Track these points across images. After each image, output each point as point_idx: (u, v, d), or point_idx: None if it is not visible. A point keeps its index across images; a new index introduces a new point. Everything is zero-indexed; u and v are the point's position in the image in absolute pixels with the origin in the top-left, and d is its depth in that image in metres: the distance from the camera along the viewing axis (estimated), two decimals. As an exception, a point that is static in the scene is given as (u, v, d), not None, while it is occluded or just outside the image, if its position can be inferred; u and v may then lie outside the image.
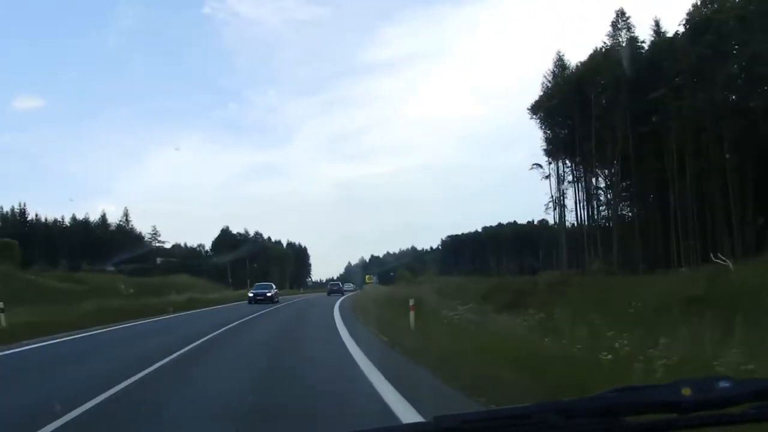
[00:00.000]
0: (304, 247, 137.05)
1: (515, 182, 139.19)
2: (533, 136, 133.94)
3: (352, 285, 74.76)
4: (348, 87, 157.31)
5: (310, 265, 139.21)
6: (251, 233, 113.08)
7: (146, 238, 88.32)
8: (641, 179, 48.08)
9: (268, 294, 34.05)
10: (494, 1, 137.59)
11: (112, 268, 78.33)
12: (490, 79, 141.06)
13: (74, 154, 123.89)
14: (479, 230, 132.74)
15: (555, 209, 59.62)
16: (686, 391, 1.30)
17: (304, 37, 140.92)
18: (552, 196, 58.13)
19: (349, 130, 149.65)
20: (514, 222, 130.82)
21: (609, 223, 53.36)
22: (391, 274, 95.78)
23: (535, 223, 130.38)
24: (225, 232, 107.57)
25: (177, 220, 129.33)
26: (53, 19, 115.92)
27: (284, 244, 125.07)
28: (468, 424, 1.20)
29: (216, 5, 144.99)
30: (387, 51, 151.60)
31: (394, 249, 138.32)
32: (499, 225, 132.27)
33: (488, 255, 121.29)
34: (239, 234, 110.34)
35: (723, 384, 1.31)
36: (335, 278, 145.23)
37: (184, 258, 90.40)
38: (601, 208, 56.22)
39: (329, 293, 54.85)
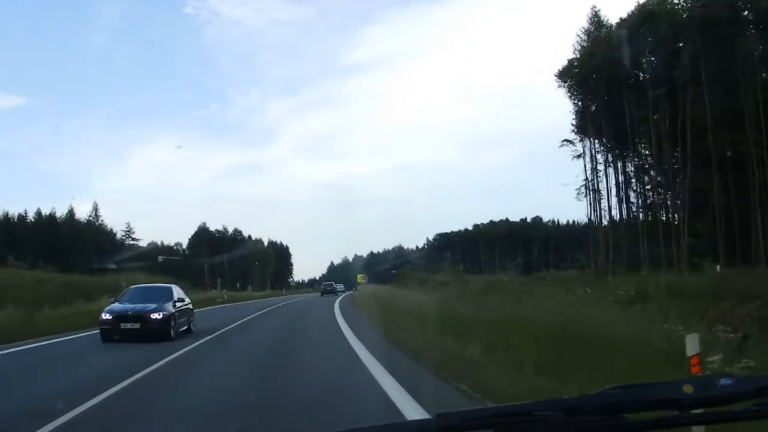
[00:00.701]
0: (286, 246, 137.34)
1: (501, 182, 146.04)
2: (517, 137, 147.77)
3: (342, 285, 74.26)
4: (329, 87, 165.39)
5: (291, 264, 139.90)
6: (230, 230, 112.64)
7: (119, 236, 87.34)
8: (704, 157, 41.44)
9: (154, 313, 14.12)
10: (475, 1, 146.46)
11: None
12: (471, 79, 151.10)
13: (54, 153, 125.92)
14: (469, 228, 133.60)
15: (587, 195, 52.88)
16: (688, 389, 1.36)
17: (285, 37, 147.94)
18: (586, 179, 51.50)
19: (331, 129, 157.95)
20: (506, 219, 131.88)
21: (655, 212, 47.10)
22: (393, 271, 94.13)
23: (528, 220, 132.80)
24: (202, 230, 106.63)
25: (157, 219, 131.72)
26: (34, 16, 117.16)
27: (265, 243, 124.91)
28: (469, 421, 1.26)
29: (198, 4, 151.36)
30: (368, 51, 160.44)
31: (378, 248, 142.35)
32: (491, 222, 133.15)
33: (480, 253, 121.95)
34: (217, 231, 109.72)
35: (724, 381, 1.37)
36: (318, 278, 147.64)
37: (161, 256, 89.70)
38: (646, 192, 49.61)
39: (323, 294, 57.82)
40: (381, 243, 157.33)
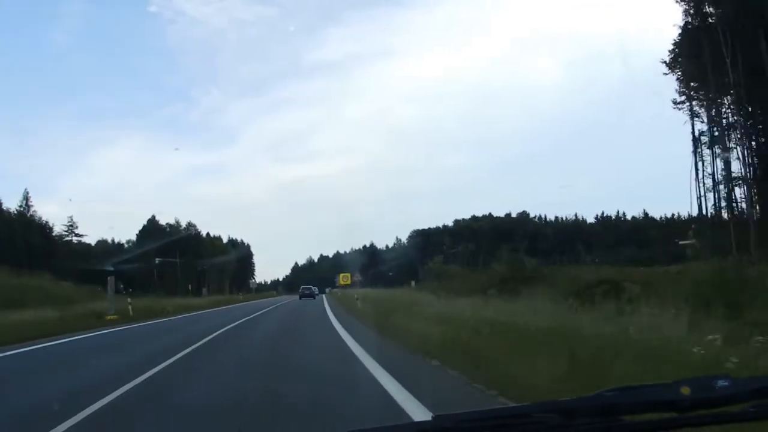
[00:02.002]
0: (248, 244, 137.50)
1: (462, 183, 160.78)
2: (481, 137, 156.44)
3: (315, 288, 74.90)
4: (293, 87, 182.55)
5: (253, 264, 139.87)
6: (183, 224, 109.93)
7: (57, 230, 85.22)
8: None
9: None
10: (436, 1, 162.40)
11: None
12: (435, 80, 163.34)
13: (12, 153, 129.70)
14: (450, 224, 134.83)
15: (703, 178, 39.40)
16: (685, 390, 1.49)
17: (249, 37, 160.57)
18: (699, 152, 38.98)
19: (294, 130, 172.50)
20: (490, 215, 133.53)
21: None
22: (390, 273, 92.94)
23: (513, 215, 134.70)
24: (152, 223, 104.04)
25: (118, 220, 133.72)
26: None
27: (224, 241, 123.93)
28: (467, 423, 1.37)
29: (162, 3, 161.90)
30: (332, 52, 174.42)
31: (345, 248, 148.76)
32: (474, 218, 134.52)
33: (454, 248, 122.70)
34: (168, 225, 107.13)
35: (722, 382, 1.51)
36: (281, 279, 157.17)
37: (108, 255, 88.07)
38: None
39: (301, 297, 61.98)
40: (348, 243, 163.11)
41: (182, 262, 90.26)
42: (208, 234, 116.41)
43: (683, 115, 41.03)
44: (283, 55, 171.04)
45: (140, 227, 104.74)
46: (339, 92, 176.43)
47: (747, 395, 1.53)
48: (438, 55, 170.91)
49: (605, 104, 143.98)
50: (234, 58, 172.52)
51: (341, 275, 54.23)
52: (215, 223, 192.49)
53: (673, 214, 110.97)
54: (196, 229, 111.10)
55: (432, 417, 1.36)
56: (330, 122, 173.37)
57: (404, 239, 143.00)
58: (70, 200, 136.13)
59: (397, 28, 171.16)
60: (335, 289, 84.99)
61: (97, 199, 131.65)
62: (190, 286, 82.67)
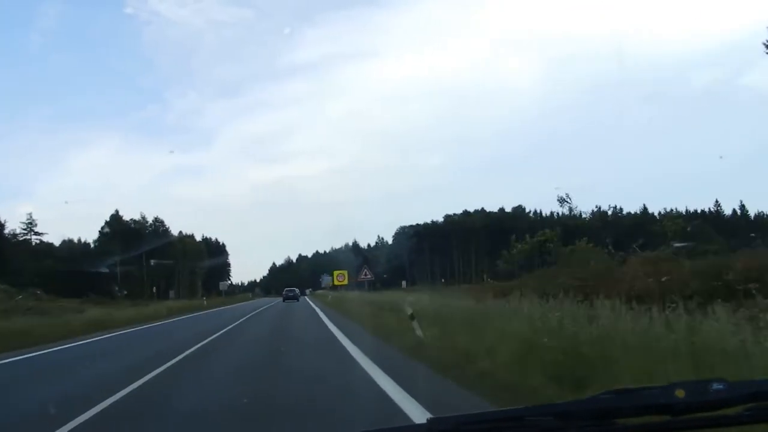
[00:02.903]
0: (223, 244, 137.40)
1: (439, 184, 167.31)
2: (456, 137, 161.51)
3: (296, 290, 76.68)
4: (269, 89, 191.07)
5: (229, 264, 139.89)
6: (149, 220, 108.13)
7: (10, 229, 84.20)
8: None
9: None
10: (414, 2, 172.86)
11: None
12: (410, 80, 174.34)
13: None
14: (439, 220, 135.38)
15: None
16: (680, 393, 1.61)
17: (225, 38, 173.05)
18: None
19: (270, 131, 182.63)
20: (482, 209, 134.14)
21: None
22: (385, 275, 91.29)
23: (507, 210, 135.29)
24: (115, 220, 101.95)
25: (95, 221, 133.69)
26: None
27: (199, 240, 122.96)
28: (462, 426, 1.48)
29: (138, 5, 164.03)
30: (308, 53, 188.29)
31: (325, 248, 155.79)
32: (465, 213, 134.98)
33: (452, 248, 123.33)
34: (134, 221, 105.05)
35: (717, 386, 1.63)
36: (258, 281, 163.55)
37: (74, 256, 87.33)
38: None
39: (285, 299, 65.24)
40: (327, 243, 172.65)
41: (152, 263, 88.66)
42: (180, 233, 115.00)
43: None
44: (260, 56, 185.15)
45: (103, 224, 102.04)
46: (317, 93, 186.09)
47: (742, 399, 1.65)
48: (416, 55, 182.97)
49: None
50: (210, 60, 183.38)
51: (336, 273, 45.41)
52: (192, 224, 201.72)
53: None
54: (164, 226, 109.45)
55: (427, 420, 1.46)
56: (308, 123, 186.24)
57: (388, 238, 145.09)
58: (66, 203, 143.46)
59: (375, 29, 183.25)
60: (320, 291, 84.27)
61: (73, 200, 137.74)
62: (155, 289, 79.96)
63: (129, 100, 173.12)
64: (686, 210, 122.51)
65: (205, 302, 58.27)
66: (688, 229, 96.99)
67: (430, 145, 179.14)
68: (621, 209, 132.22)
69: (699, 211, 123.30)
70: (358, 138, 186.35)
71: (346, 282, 44.70)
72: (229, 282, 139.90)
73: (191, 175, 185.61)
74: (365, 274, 41.43)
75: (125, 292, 72.41)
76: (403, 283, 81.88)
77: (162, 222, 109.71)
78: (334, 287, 49.60)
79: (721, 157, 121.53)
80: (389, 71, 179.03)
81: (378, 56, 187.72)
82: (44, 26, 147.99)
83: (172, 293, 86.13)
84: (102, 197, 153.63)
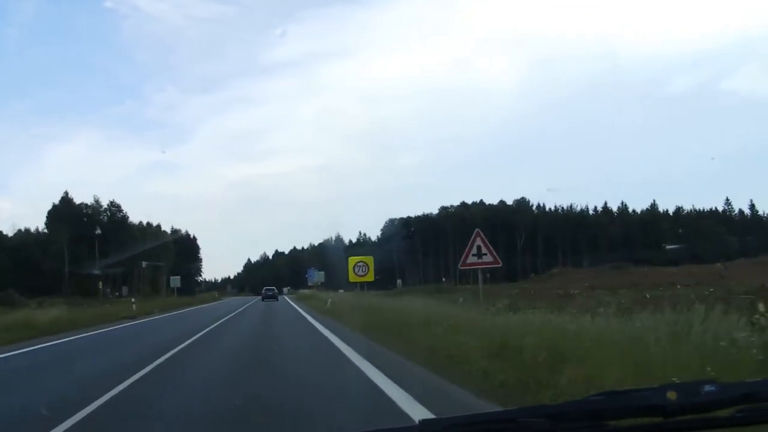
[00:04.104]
0: (194, 236, 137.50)
1: (420, 182, 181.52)
2: (433, 137, 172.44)
3: (273, 288, 78.52)
4: (248, 86, 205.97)
5: (200, 260, 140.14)
6: (104, 204, 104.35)
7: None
8: None
9: None
10: (392, 1, 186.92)
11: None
12: (391, 80, 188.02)
13: None
14: (432, 213, 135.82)
15: None
16: (672, 395, 1.80)
17: (205, 34, 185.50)
18: None
19: (249, 128, 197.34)
20: (481, 201, 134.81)
21: None
22: (377, 276, 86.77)
23: (509, 203, 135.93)
24: (65, 203, 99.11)
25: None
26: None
27: (167, 231, 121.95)
28: (453, 427, 1.66)
29: None
30: (288, 50, 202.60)
31: (303, 244, 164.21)
32: (463, 205, 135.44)
33: (447, 244, 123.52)
34: (85, 205, 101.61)
35: (709, 388, 1.82)
36: (233, 278, 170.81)
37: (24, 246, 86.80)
38: None
39: (264, 299, 69.95)
40: (306, 238, 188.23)
41: (104, 255, 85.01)
42: (144, 223, 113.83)
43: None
44: (239, 52, 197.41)
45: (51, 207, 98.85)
46: (297, 91, 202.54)
47: (734, 400, 1.85)
48: (399, 53, 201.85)
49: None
50: (189, 56, 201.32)
51: (353, 262, 36.15)
52: (165, 219, 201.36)
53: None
54: (121, 212, 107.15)
55: (419, 421, 1.64)
56: (288, 120, 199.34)
57: (371, 234, 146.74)
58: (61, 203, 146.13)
59: (357, 27, 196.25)
60: (305, 291, 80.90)
61: (46, 196, 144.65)
62: (101, 284, 73.14)
63: (106, 95, 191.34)
64: (693, 209, 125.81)
65: (134, 307, 42.13)
66: (680, 230, 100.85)
67: (410, 144, 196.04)
68: (626, 206, 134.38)
69: (708, 209, 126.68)
70: (338, 136, 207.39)
71: (370, 277, 36.96)
72: (201, 277, 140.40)
73: (167, 171, 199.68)
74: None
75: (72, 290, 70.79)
76: (399, 282, 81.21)
77: (119, 207, 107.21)
78: (354, 285, 42.04)
79: (712, 158, 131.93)
80: (370, 69, 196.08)
81: (359, 54, 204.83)
82: (21, 20, 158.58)
83: (125, 290, 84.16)
84: (77, 192, 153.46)
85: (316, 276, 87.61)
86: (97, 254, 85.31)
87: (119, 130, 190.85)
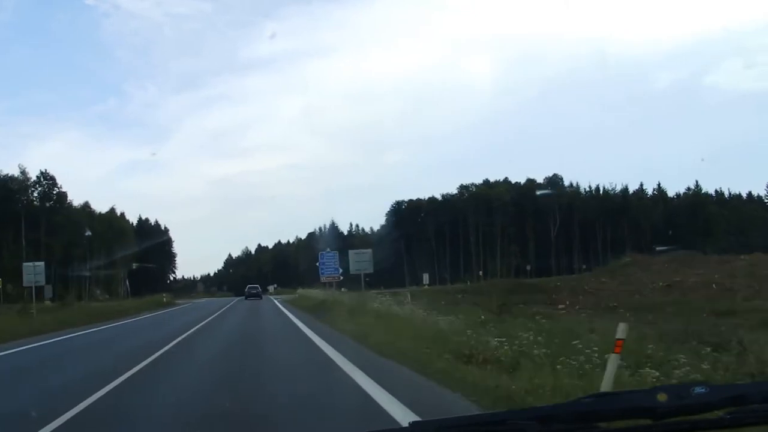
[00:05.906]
0: (165, 227, 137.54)
1: (396, 182, 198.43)
2: (419, 135, 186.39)
3: (258, 287, 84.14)
4: (229, 83, 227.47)
5: (174, 255, 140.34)
6: (32, 176, 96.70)
7: None
8: None
9: None
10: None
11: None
12: (372, 79, 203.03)
13: None
14: (438, 197, 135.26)
15: None
16: (662, 397, 2.12)
17: (185, 31, 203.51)
18: None
19: (229, 126, 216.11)
20: (506, 179, 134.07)
21: None
22: (425, 276, 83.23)
23: (539, 181, 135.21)
24: None
25: None
26: None
27: (133, 221, 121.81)
28: (444, 429, 1.98)
29: None
30: (268, 48, 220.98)
31: (289, 237, 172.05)
32: (486, 183, 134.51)
33: (458, 228, 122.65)
34: (9, 178, 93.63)
35: (699, 389, 2.14)
36: (212, 275, 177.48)
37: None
38: None
39: (247, 297, 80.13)
40: (292, 232, 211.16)
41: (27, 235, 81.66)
42: (94, 209, 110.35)
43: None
44: (220, 49, 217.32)
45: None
46: (279, 88, 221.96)
47: (723, 402, 2.17)
48: (376, 52, 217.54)
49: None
50: (170, 53, 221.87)
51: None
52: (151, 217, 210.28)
53: None
54: (57, 187, 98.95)
55: (409, 423, 1.97)
56: (268, 118, 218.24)
57: (363, 225, 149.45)
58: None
59: (336, 26, 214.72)
60: (303, 291, 69.18)
61: None
62: (6, 286, 60.91)
63: (86, 93, 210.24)
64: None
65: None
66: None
67: (391, 142, 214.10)
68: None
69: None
70: (321, 133, 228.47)
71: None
72: (174, 274, 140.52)
73: (148, 168, 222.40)
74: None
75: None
76: (425, 277, 79.58)
77: (53, 180, 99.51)
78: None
79: (702, 160, 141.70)
80: (350, 68, 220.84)
81: (338, 52, 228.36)
82: (0, 18, 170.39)
83: (48, 290, 54.89)
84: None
85: (334, 262, 53.65)
86: (23, 241, 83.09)
87: (99, 127, 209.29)
